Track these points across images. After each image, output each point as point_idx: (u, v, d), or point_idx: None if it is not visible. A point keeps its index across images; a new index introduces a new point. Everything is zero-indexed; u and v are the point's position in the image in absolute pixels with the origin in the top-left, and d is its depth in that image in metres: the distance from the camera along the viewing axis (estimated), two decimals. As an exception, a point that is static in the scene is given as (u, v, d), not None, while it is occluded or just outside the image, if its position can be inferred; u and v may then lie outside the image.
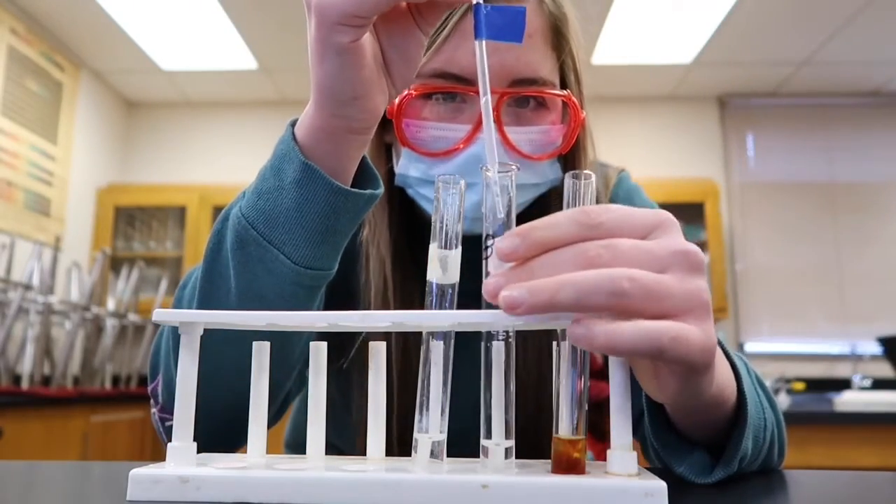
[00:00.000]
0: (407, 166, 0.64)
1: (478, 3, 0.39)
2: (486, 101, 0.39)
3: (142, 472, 0.36)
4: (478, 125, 0.61)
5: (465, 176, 0.63)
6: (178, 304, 0.59)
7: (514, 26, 0.39)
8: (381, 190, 0.52)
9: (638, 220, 0.37)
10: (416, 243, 0.69)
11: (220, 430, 0.57)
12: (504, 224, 0.38)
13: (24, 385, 2.68)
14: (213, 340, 0.52)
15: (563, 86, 0.67)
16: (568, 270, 0.34)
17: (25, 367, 2.71)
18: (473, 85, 0.61)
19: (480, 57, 0.39)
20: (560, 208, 0.70)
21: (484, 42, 0.39)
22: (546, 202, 0.68)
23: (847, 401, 2.48)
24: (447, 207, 0.39)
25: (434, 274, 0.38)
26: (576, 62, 0.68)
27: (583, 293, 0.32)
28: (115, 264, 3.84)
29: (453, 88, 0.62)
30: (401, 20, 0.44)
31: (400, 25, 0.44)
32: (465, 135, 0.62)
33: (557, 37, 0.66)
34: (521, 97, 0.63)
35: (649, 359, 0.37)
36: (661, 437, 0.47)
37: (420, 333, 0.39)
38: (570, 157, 0.68)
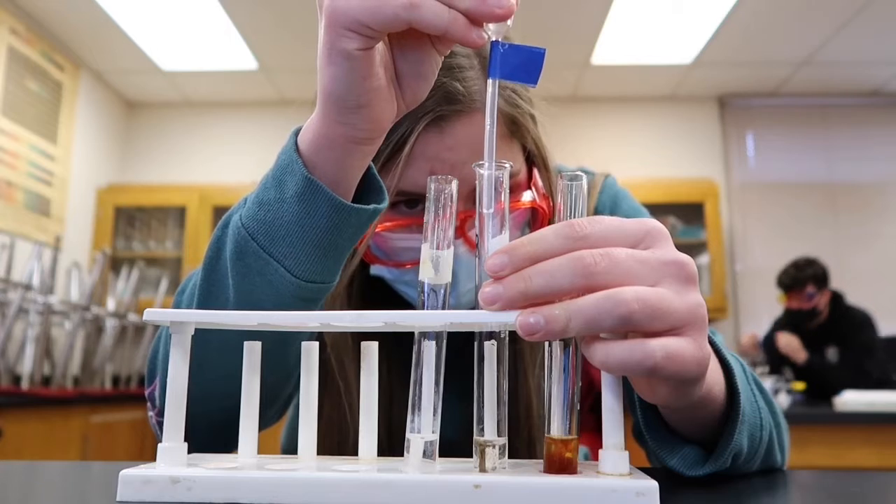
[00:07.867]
0: (381, 269, 0.65)
1: (495, 41, 0.38)
2: (490, 131, 0.38)
3: (132, 473, 0.36)
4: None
5: None
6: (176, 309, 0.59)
7: (531, 67, 0.38)
8: (384, 204, 0.51)
9: (626, 231, 0.37)
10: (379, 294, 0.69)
11: (220, 437, 0.57)
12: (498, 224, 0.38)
13: (24, 385, 2.68)
14: (210, 349, 0.52)
15: (529, 162, 0.66)
16: (565, 277, 0.34)
17: (25, 367, 2.71)
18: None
19: (492, 95, 0.38)
20: None
21: (497, 81, 0.38)
22: None
23: (847, 401, 2.47)
24: (439, 209, 0.39)
25: (426, 274, 0.38)
26: (539, 147, 0.66)
27: (592, 321, 0.34)
28: (115, 264, 3.85)
29: (411, 222, 0.61)
30: (416, 37, 0.43)
31: (415, 42, 0.43)
32: None
33: (514, 125, 0.63)
34: None
35: (644, 376, 0.37)
36: (654, 431, 0.47)
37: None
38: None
